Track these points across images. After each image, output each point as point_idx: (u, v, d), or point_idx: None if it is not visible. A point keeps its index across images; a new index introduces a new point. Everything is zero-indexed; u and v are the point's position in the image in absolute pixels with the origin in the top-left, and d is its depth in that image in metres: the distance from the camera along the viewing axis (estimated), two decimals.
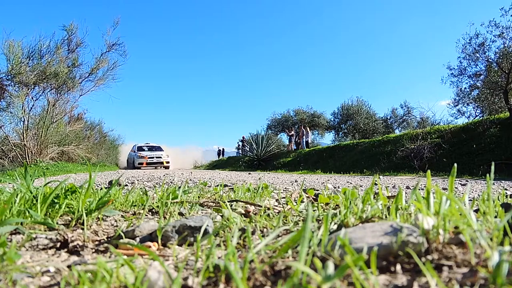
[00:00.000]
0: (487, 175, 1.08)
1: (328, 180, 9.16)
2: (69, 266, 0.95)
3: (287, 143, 30.74)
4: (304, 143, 27.55)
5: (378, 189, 1.52)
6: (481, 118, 16.30)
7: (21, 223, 1.34)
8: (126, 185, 6.14)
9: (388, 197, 1.84)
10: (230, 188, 3.80)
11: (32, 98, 18.21)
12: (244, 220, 1.61)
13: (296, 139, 29.07)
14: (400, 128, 33.62)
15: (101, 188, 2.51)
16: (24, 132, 17.92)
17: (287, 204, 1.99)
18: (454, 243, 0.84)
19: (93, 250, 1.13)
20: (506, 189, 5.25)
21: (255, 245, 0.85)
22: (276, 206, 2.07)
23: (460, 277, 0.69)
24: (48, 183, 1.69)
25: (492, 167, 1.13)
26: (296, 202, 2.19)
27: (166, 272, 0.72)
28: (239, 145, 35.25)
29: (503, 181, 7.81)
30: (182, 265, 0.71)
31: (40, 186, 1.61)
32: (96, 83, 19.27)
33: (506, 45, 14.56)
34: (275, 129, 38.42)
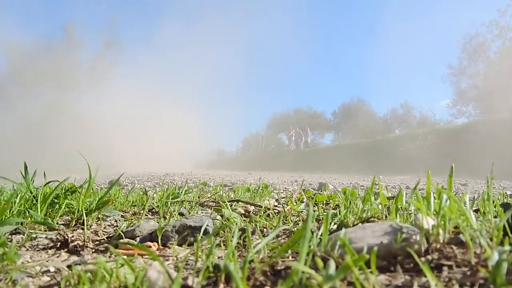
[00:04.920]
0: (487, 175, 1.08)
1: (328, 180, 9.15)
2: (69, 266, 0.95)
3: (287, 143, 30.61)
4: (304, 143, 27.55)
5: (378, 189, 1.52)
6: (480, 118, 16.33)
7: (21, 223, 1.34)
8: (126, 185, 6.14)
9: (388, 198, 1.84)
10: (230, 188, 3.80)
11: (32, 98, 18.19)
12: (244, 220, 1.61)
13: (296, 139, 29.04)
14: (400, 128, 33.64)
15: (101, 188, 2.52)
16: (24, 131, 17.90)
17: (287, 204, 1.99)
18: (454, 243, 0.84)
19: (93, 250, 1.13)
20: (505, 188, 5.26)
21: (255, 245, 0.85)
22: (276, 206, 2.07)
23: (460, 276, 0.69)
24: (48, 183, 1.69)
25: (492, 167, 1.13)
26: (296, 202, 2.19)
27: (166, 272, 0.72)
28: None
29: (503, 181, 7.84)
30: (182, 265, 0.71)
31: (40, 186, 1.61)
32: (96, 82, 19.28)
33: (505, 44, 14.61)
34: (275, 129, 38.46)
